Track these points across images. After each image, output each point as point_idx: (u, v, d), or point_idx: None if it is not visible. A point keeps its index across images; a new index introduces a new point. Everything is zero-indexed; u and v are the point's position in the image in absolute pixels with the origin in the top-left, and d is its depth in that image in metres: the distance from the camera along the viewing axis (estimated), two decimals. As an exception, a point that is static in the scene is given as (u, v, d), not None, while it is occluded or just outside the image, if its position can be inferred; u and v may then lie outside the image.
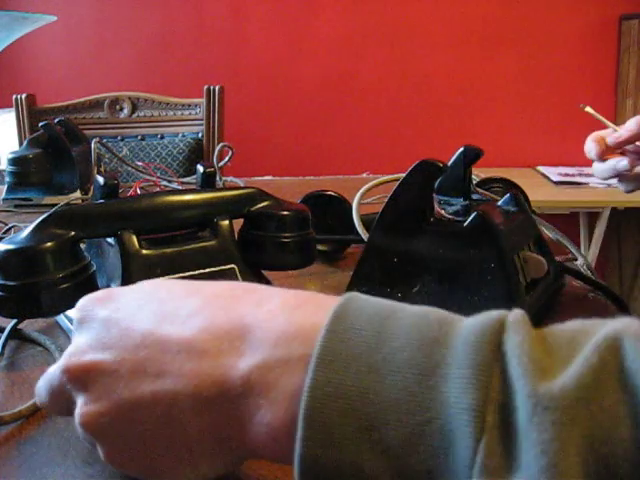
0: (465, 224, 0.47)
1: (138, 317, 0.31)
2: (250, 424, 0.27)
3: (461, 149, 0.54)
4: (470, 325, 0.25)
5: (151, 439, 0.29)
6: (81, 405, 0.30)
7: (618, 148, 0.77)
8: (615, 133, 0.77)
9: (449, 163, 0.53)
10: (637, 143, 0.76)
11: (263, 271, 0.53)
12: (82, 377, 0.30)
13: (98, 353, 0.30)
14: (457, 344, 0.24)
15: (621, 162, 0.77)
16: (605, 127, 0.79)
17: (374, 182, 0.62)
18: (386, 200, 0.51)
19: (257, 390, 0.27)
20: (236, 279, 0.48)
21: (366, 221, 0.59)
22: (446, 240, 0.48)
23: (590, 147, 0.78)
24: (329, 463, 0.24)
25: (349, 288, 0.52)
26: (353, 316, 0.26)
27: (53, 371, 0.32)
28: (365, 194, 0.62)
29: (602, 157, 0.77)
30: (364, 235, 0.57)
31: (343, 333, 0.25)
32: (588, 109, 0.81)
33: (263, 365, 0.27)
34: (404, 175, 0.50)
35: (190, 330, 0.29)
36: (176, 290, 0.32)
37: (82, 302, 0.33)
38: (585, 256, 0.65)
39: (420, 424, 0.23)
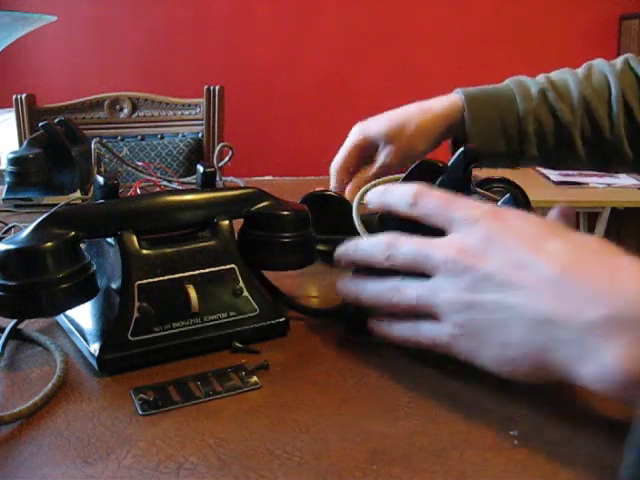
0: None
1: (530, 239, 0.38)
2: (592, 360, 0.32)
3: (461, 149, 0.54)
4: None
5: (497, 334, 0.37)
6: (452, 292, 0.38)
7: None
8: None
9: (449, 163, 0.53)
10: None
11: (263, 271, 0.53)
12: (457, 272, 0.38)
13: (478, 259, 0.38)
14: None
15: None
16: None
17: (374, 182, 0.62)
18: None
19: (612, 335, 0.32)
20: (236, 279, 0.48)
21: (366, 221, 0.59)
22: None
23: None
24: None
25: None
26: None
27: (429, 246, 0.40)
28: (365, 194, 0.62)
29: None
30: (365, 236, 0.57)
31: None
32: None
33: (619, 317, 0.32)
34: (404, 175, 0.50)
35: (560, 265, 0.35)
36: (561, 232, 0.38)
37: (474, 211, 0.40)
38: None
39: None
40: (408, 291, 0.41)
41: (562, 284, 0.34)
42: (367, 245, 0.45)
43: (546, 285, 0.35)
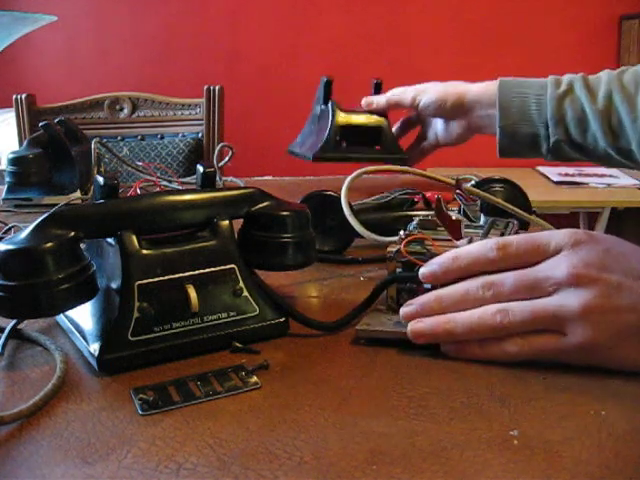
0: None
1: (635, 257, 0.41)
2: None
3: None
4: None
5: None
6: (589, 299, 0.39)
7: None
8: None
9: None
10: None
11: (263, 271, 0.53)
12: (587, 283, 0.40)
13: (603, 272, 0.40)
14: None
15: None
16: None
17: (363, 170, 0.62)
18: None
19: None
20: (236, 279, 0.48)
21: (366, 220, 0.59)
22: None
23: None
24: None
25: None
26: None
27: (549, 270, 0.41)
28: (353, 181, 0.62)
29: None
30: (357, 227, 0.56)
31: None
32: None
33: None
34: None
35: None
36: None
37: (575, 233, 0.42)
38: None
39: None
40: (526, 308, 0.41)
41: None
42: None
43: None
